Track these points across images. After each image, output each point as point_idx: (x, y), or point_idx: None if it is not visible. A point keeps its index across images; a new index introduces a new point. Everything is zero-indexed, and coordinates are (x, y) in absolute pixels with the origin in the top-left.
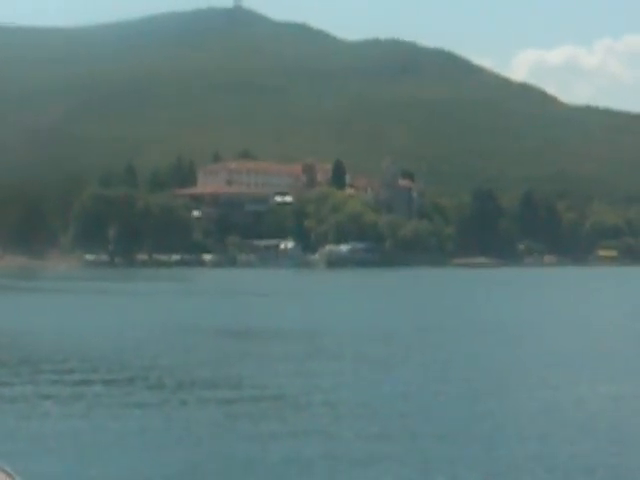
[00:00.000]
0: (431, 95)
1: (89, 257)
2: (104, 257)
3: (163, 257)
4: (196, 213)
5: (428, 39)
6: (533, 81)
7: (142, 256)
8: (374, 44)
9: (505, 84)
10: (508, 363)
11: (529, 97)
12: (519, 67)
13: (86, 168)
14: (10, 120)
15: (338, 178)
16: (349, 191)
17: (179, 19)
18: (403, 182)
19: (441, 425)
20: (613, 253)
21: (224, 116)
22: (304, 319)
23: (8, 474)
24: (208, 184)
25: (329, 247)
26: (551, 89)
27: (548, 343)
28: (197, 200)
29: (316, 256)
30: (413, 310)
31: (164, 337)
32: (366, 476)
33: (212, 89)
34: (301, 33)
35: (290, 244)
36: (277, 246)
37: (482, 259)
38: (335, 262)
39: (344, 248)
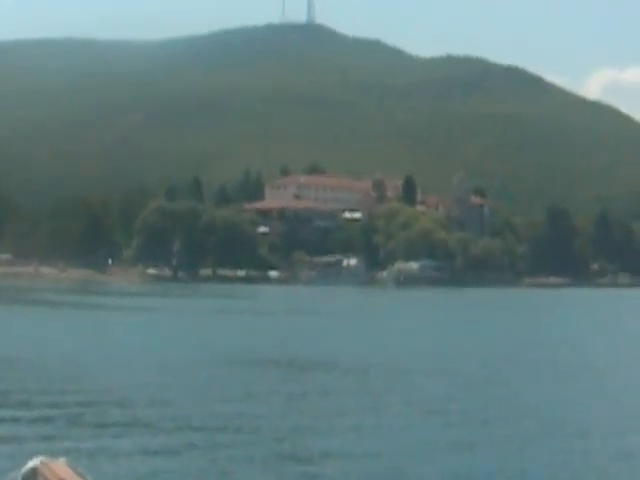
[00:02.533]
0: (503, 112)
1: (152, 271)
2: (167, 271)
3: (228, 272)
4: (263, 228)
5: (501, 56)
6: (607, 100)
7: (206, 271)
8: (446, 60)
9: (578, 102)
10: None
11: (602, 115)
12: (593, 86)
13: (152, 182)
14: (77, 134)
15: (409, 194)
16: (420, 208)
17: (251, 34)
18: (475, 199)
19: None
20: None
21: (294, 131)
22: (358, 346)
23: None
24: (276, 199)
25: (398, 264)
26: (625, 108)
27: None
28: (264, 215)
29: (384, 273)
30: (482, 337)
31: (196, 365)
32: None
33: (283, 104)
34: (374, 49)
35: (353, 261)
36: (340, 262)
37: (554, 279)
38: (404, 280)
39: (414, 266)
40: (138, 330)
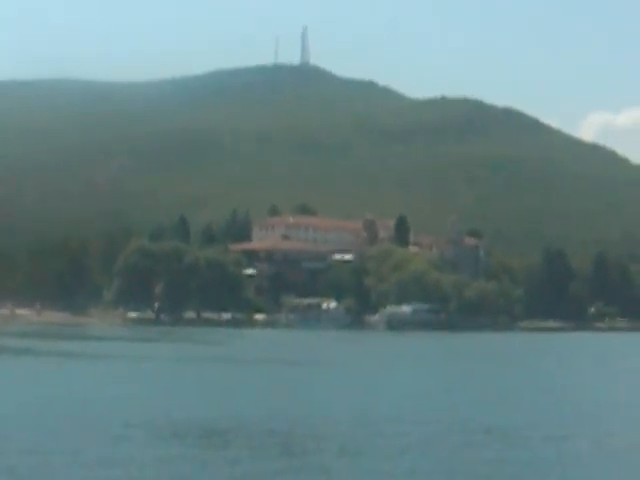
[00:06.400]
0: (498, 153)
1: (133, 314)
2: (149, 314)
3: (212, 315)
4: (250, 270)
5: (496, 97)
6: (602, 142)
7: (190, 314)
8: (441, 102)
9: (574, 144)
10: None
11: (599, 158)
12: (587, 128)
13: (138, 224)
14: (63, 175)
15: (401, 235)
16: (412, 249)
17: (245, 75)
18: (469, 240)
19: None
20: None
21: (285, 173)
22: (330, 405)
23: None
24: (263, 239)
25: (390, 308)
26: (620, 150)
27: None
28: (251, 256)
29: (376, 317)
30: (486, 395)
31: (142, 433)
32: None
33: (274, 145)
34: (368, 90)
35: (333, 304)
36: (319, 306)
37: (551, 323)
38: (396, 324)
39: (406, 309)
40: (96, 382)
